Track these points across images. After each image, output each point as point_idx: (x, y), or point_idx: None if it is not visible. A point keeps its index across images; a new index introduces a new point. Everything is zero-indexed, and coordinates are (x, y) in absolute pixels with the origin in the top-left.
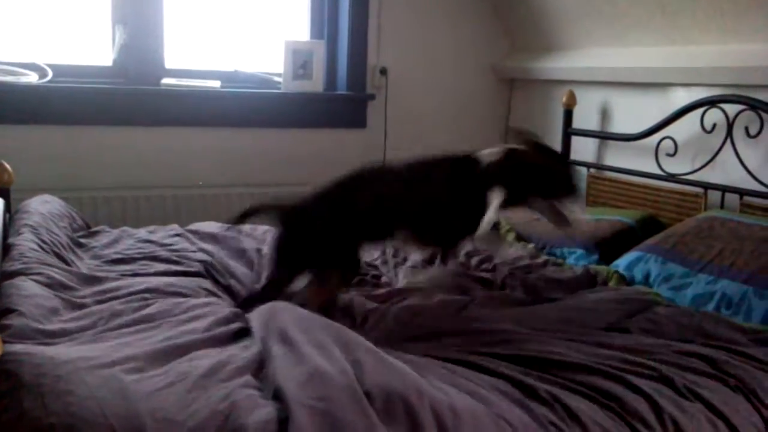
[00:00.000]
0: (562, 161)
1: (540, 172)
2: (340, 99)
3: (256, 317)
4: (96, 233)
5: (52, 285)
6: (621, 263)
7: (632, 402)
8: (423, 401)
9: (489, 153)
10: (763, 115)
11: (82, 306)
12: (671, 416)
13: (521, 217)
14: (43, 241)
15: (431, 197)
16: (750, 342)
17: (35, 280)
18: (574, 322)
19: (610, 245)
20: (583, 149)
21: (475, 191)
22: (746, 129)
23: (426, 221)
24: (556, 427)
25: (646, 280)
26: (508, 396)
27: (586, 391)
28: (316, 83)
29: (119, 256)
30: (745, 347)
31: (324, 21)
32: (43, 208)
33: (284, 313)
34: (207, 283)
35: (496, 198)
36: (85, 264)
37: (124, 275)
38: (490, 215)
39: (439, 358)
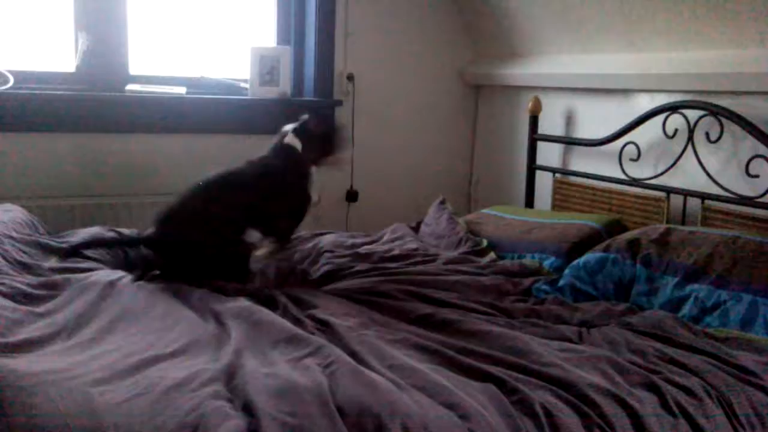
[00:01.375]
0: (335, 129)
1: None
2: (307, 105)
3: (235, 327)
4: (58, 238)
5: (14, 295)
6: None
7: (615, 418)
8: (395, 418)
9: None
10: (723, 120)
11: (45, 316)
12: None
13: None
14: (5, 250)
15: (262, 198)
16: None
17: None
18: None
19: (579, 250)
20: (548, 155)
21: (293, 178)
22: (707, 134)
23: (264, 218)
24: None
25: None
26: (495, 406)
27: (573, 400)
28: (283, 89)
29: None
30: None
31: (291, 26)
32: (4, 216)
33: (267, 325)
34: None
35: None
36: (47, 270)
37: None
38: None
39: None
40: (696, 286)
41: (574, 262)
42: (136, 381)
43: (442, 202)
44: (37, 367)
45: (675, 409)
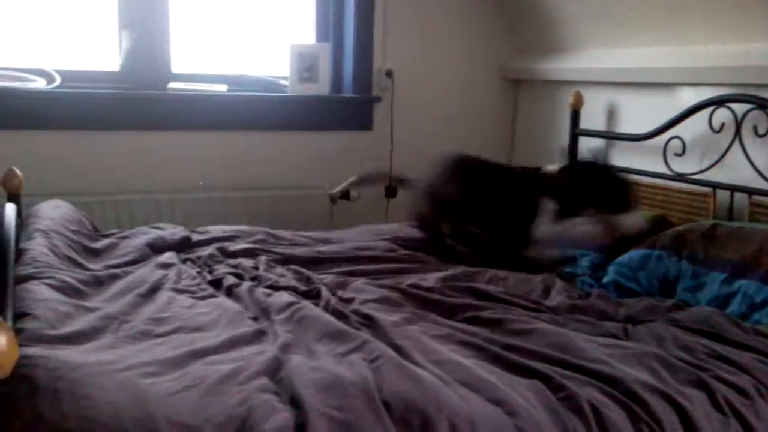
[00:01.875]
0: (618, 177)
1: (594, 187)
2: (346, 102)
3: (281, 321)
4: (106, 236)
5: (64, 289)
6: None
7: (664, 416)
8: (441, 413)
9: (551, 168)
10: None
11: (94, 309)
12: None
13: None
14: (55, 245)
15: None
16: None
17: (47, 284)
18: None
19: (622, 246)
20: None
21: (529, 200)
22: (755, 128)
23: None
24: None
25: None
26: (542, 402)
27: (620, 397)
28: (322, 86)
29: (129, 257)
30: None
31: (329, 24)
32: (53, 212)
33: (312, 320)
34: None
35: (548, 207)
36: (95, 266)
37: (132, 275)
38: (542, 220)
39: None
40: (744, 281)
41: (618, 259)
42: (184, 373)
43: None
44: (88, 358)
45: (725, 407)
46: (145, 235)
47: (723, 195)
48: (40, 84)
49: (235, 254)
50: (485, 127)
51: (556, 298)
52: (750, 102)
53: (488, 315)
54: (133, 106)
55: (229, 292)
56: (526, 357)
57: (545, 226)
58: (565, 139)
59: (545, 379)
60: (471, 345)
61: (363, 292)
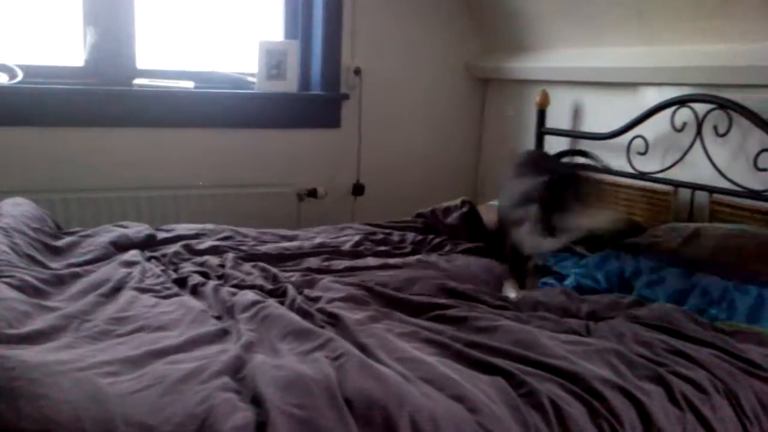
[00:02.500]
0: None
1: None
2: (314, 99)
3: (245, 320)
4: (68, 234)
5: (23, 288)
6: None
7: (622, 411)
8: (403, 410)
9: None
10: (732, 114)
11: (54, 309)
12: (660, 431)
13: None
14: (15, 243)
15: None
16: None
17: (7, 283)
18: None
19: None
20: (556, 149)
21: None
22: (715, 128)
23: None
24: None
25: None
26: (503, 399)
27: (580, 393)
28: (290, 83)
29: (91, 255)
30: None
31: (298, 21)
32: (14, 210)
33: (276, 319)
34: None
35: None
36: (57, 265)
37: (95, 274)
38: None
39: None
40: (701, 277)
41: (581, 261)
42: (144, 373)
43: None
44: (46, 358)
45: (682, 402)
46: (108, 233)
47: (684, 193)
48: (2, 79)
49: (201, 252)
50: (453, 125)
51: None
52: (711, 102)
53: (454, 313)
54: (97, 103)
55: (194, 291)
56: (489, 354)
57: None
58: (531, 137)
59: (507, 375)
60: (435, 342)
61: (329, 290)
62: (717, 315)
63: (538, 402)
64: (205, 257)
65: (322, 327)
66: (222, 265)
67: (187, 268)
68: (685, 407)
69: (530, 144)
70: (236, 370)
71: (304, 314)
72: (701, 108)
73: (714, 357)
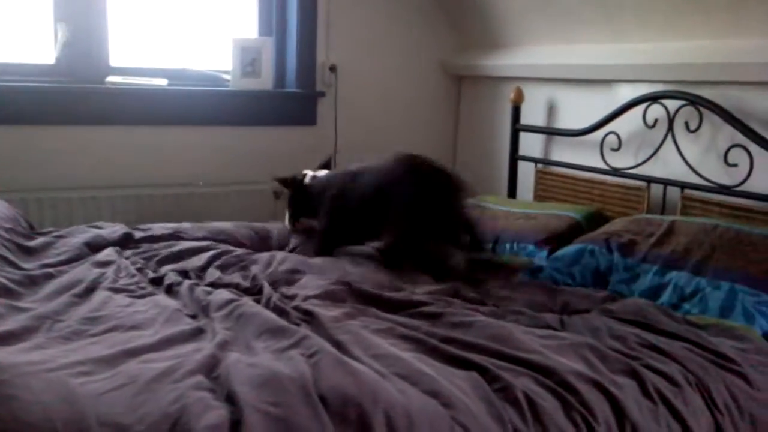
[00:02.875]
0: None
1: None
2: (289, 96)
3: (220, 318)
4: (42, 234)
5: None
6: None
7: (596, 405)
8: (377, 407)
9: None
10: (702, 110)
11: (26, 309)
12: (633, 424)
13: None
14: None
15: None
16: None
17: None
18: None
19: (558, 240)
20: (530, 145)
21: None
22: (686, 124)
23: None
24: None
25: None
26: (477, 394)
27: (554, 387)
28: (264, 81)
29: (65, 256)
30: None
31: (272, 18)
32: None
33: (251, 317)
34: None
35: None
36: (30, 265)
37: (68, 274)
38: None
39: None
40: (675, 273)
41: (553, 255)
42: (118, 372)
43: None
44: (17, 359)
45: (655, 396)
46: (83, 234)
47: (657, 189)
48: None
49: (180, 252)
50: (428, 122)
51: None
52: (682, 98)
53: (430, 309)
54: (69, 100)
55: (169, 290)
56: (464, 349)
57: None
58: (506, 134)
59: (482, 370)
60: (411, 339)
61: (306, 288)
62: (689, 310)
63: (512, 397)
64: (182, 257)
65: (298, 324)
66: (203, 266)
67: (163, 267)
68: (657, 400)
69: (505, 140)
70: (210, 368)
71: (280, 312)
72: (672, 104)
73: (686, 350)
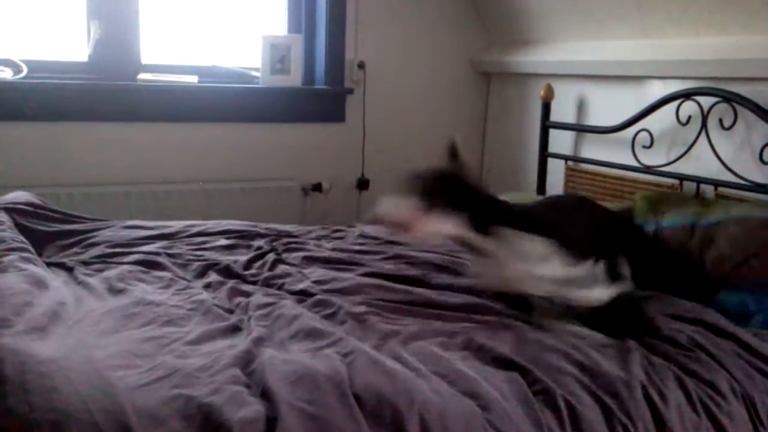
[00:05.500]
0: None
1: None
2: (318, 93)
3: (257, 317)
4: (74, 224)
5: (30, 279)
6: None
7: (637, 414)
8: (412, 408)
9: None
10: (737, 107)
11: (61, 301)
12: None
13: None
14: (21, 235)
15: None
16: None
17: (14, 274)
18: None
19: None
20: (560, 142)
21: None
22: (720, 121)
23: None
24: None
25: None
26: (517, 396)
27: (597, 393)
28: (294, 78)
29: (101, 250)
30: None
31: (301, 15)
32: (20, 203)
33: (287, 318)
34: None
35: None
36: (64, 257)
37: (105, 267)
38: None
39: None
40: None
41: None
42: (155, 366)
43: None
44: (56, 352)
45: (699, 407)
46: (124, 228)
47: (690, 187)
48: (6, 74)
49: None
50: (457, 119)
51: None
52: (716, 95)
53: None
54: (101, 97)
55: (209, 286)
56: (505, 350)
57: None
58: (536, 131)
59: (523, 372)
60: (453, 337)
61: (356, 293)
62: None
63: (552, 401)
64: (234, 255)
65: (344, 323)
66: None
67: (206, 264)
68: (701, 412)
69: (535, 137)
70: (246, 363)
71: (326, 314)
72: (706, 101)
73: (734, 355)
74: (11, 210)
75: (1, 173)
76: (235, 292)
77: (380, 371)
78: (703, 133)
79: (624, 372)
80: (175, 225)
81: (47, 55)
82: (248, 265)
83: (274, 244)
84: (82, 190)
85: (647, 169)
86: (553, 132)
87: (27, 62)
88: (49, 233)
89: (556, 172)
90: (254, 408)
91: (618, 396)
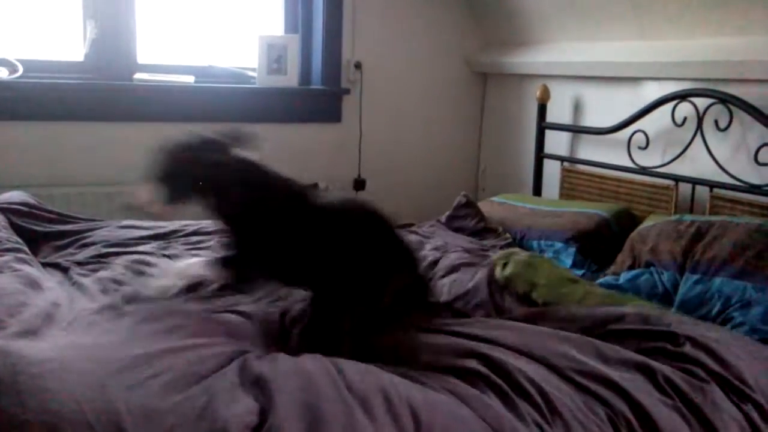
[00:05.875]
0: None
1: None
2: (314, 93)
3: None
4: (69, 224)
5: (24, 280)
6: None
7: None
8: (401, 397)
9: None
10: (732, 108)
11: (55, 302)
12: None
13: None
14: (17, 235)
15: None
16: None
17: (8, 275)
18: None
19: (587, 238)
20: (556, 143)
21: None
22: (716, 122)
23: None
24: (540, 428)
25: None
26: (493, 390)
27: (575, 378)
28: (290, 78)
29: (97, 250)
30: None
31: (298, 15)
32: (16, 203)
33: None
34: None
35: None
36: (59, 258)
37: (100, 267)
38: None
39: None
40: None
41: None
42: (149, 365)
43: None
44: (49, 353)
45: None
46: (121, 229)
47: (685, 188)
48: (2, 74)
49: None
50: (453, 119)
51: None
52: (711, 96)
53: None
54: (97, 97)
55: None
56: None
57: None
58: (532, 132)
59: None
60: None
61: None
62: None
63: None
64: None
65: None
66: None
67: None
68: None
69: (531, 138)
70: (239, 363)
71: None
72: (702, 102)
73: None
74: (6, 210)
75: None
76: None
77: (368, 371)
78: (699, 135)
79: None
80: (170, 225)
81: (43, 55)
82: None
83: None
84: (78, 189)
85: (643, 170)
86: (549, 133)
87: (23, 62)
88: (45, 233)
89: (552, 173)
90: (247, 401)
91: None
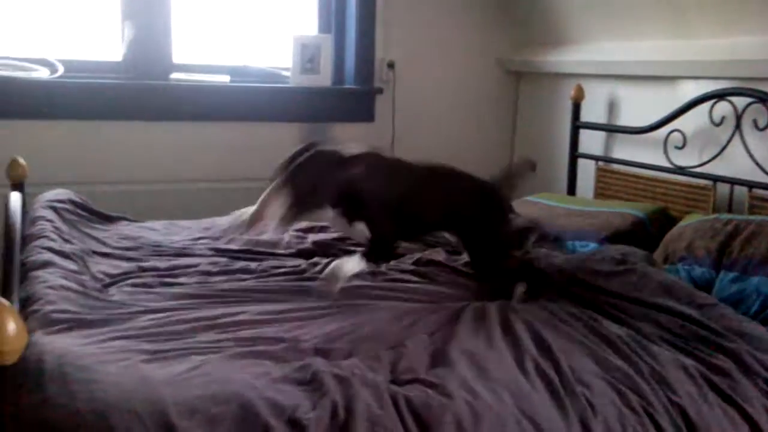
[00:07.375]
0: None
1: None
2: (347, 93)
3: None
4: (114, 222)
5: (70, 276)
6: None
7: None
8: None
9: None
10: None
11: (99, 297)
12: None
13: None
14: (61, 232)
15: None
16: None
17: (54, 271)
18: None
19: (621, 238)
20: (591, 142)
21: None
22: (754, 122)
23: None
24: (584, 425)
25: None
26: (545, 383)
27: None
28: (323, 77)
29: (136, 251)
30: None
31: (331, 15)
32: (58, 201)
33: None
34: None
35: None
36: (101, 255)
37: (140, 266)
38: None
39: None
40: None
41: None
42: (190, 359)
43: None
44: (94, 347)
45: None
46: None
47: (723, 188)
48: (42, 74)
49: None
50: (486, 119)
51: None
52: (750, 96)
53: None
54: (135, 97)
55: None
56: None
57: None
58: (566, 131)
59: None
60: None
61: None
62: None
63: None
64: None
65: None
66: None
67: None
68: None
69: (565, 138)
70: (284, 357)
71: None
72: (740, 101)
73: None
74: (55, 208)
75: (39, 171)
76: None
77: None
78: (737, 134)
79: None
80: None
81: (82, 55)
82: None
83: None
84: (116, 188)
85: (680, 170)
86: (583, 132)
87: (63, 62)
88: (92, 234)
89: (587, 172)
90: (287, 397)
91: None
